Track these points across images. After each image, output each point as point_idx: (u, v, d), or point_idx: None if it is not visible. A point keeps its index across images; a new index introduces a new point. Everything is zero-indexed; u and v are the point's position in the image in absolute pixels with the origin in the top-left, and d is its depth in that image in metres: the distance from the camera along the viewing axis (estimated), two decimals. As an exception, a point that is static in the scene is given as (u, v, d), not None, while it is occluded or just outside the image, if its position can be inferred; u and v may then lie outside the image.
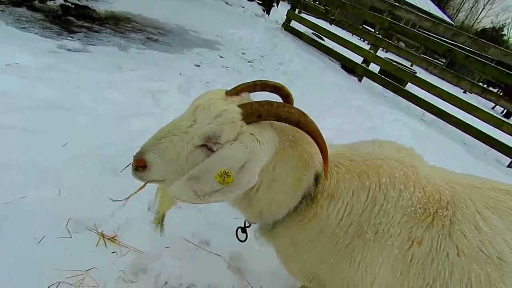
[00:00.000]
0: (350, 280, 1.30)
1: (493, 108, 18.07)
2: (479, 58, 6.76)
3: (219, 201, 1.12)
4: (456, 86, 14.62)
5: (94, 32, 5.17)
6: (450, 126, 6.90)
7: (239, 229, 1.60)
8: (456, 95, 6.92)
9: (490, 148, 6.37)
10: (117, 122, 3.02)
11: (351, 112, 5.73)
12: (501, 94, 14.69)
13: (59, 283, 1.67)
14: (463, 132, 6.70)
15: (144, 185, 1.35)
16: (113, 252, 1.92)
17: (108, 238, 1.97)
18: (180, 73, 4.65)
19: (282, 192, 1.28)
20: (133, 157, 1.20)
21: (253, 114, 1.15)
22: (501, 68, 6.44)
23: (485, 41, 6.56)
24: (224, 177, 1.08)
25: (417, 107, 7.31)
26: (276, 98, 1.33)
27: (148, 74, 4.27)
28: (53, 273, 1.69)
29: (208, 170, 1.09)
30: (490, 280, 1.18)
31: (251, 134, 1.14)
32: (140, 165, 1.20)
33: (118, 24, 5.96)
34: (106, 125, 2.94)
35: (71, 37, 4.65)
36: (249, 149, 1.11)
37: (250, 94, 1.32)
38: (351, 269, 1.29)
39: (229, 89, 1.29)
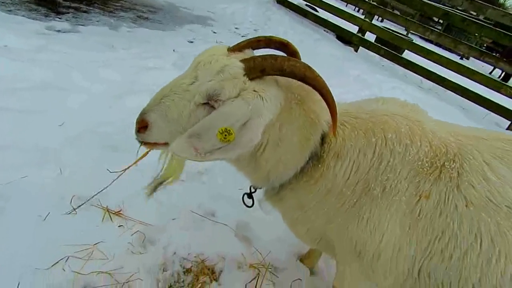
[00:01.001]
0: (359, 239, 1.30)
1: (490, 73, 17.94)
2: (476, 20, 6.64)
3: (220, 159, 1.09)
4: (453, 52, 14.51)
5: (83, 12, 5.03)
6: (449, 92, 6.85)
7: (245, 195, 1.58)
8: (454, 60, 6.84)
9: (489, 112, 6.35)
10: (113, 100, 2.97)
11: (349, 82, 5.66)
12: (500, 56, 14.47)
13: (67, 258, 1.67)
14: (461, 97, 6.66)
15: (146, 153, 1.31)
16: (119, 226, 1.92)
17: (113, 212, 1.97)
18: (173, 50, 4.57)
19: (289, 152, 1.25)
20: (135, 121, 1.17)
21: (256, 69, 1.10)
22: (499, 30, 6.34)
23: (482, 2, 6.44)
24: (226, 135, 1.04)
25: (415, 75, 7.23)
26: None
27: (141, 52, 4.19)
28: (61, 248, 1.69)
29: (209, 128, 1.06)
30: (499, 229, 1.17)
31: (254, 90, 1.10)
32: (142, 126, 1.16)
33: (106, 3, 5.79)
34: (102, 103, 2.89)
35: (59, 18, 4.53)
36: (252, 106, 1.07)
37: (254, 51, 1.27)
38: (359, 228, 1.28)
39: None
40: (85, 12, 5.07)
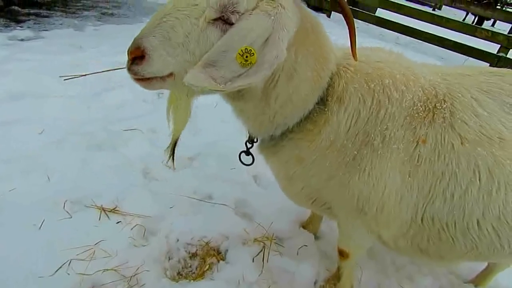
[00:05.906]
0: (361, 193, 1.28)
1: (463, 20, 18.00)
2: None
3: (243, 87, 0.96)
4: (425, 4, 14.49)
5: (44, 17, 4.85)
6: (425, 44, 6.86)
7: (243, 154, 1.48)
8: (426, 10, 6.82)
9: (467, 57, 6.38)
10: (91, 100, 2.89)
11: (326, 48, 5.60)
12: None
13: (70, 261, 1.64)
14: (439, 47, 6.68)
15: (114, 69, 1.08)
16: (117, 223, 1.89)
17: (109, 210, 1.94)
18: (144, 42, 4.45)
19: (301, 88, 1.17)
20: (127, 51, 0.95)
21: None
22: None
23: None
24: (247, 56, 0.91)
25: (391, 32, 7.21)
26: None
27: (111, 49, 4.06)
28: (62, 253, 1.66)
29: (226, 51, 0.92)
30: (496, 159, 1.18)
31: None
32: (137, 56, 0.94)
33: (67, 5, 5.59)
34: (80, 104, 2.81)
35: (20, 27, 4.36)
36: (274, 17, 0.95)
37: None
38: (361, 181, 1.26)
39: None
40: (46, 17, 4.89)
